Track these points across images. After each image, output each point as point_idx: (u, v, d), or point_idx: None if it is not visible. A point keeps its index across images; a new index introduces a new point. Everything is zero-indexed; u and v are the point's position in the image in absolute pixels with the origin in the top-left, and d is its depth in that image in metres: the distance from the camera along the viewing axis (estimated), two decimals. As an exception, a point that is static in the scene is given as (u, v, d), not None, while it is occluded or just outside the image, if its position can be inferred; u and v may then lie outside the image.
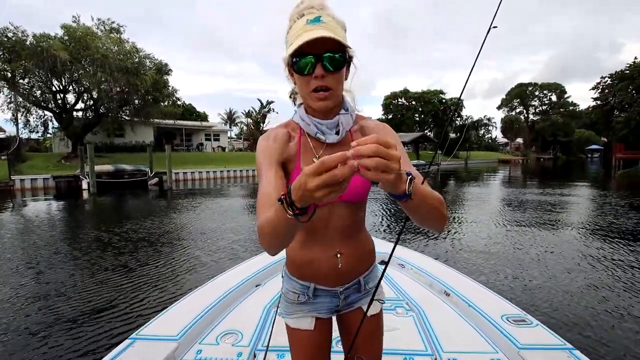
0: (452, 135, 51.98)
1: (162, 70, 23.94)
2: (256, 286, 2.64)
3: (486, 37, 0.93)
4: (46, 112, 23.42)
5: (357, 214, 1.07)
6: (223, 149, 38.01)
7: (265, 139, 1.03)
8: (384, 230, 7.60)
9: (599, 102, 40.01)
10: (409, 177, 0.73)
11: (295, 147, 1.02)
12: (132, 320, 3.58)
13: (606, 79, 37.68)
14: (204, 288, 2.46)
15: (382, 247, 2.71)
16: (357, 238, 1.10)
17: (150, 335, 1.86)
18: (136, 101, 23.79)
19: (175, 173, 20.73)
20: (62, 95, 22.87)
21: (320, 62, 0.88)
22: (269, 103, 43.53)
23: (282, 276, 1.19)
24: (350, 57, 0.94)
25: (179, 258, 5.65)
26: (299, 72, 0.90)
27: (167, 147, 18.63)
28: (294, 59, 0.90)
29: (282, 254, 1.11)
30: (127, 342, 1.79)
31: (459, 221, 8.49)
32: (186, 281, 4.65)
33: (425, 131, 50.69)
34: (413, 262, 2.98)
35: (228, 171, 23.85)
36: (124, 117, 24.65)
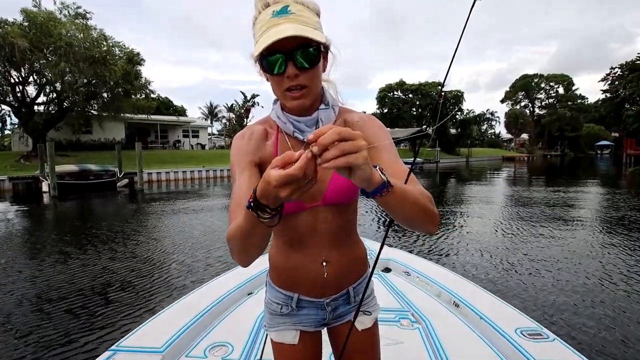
0: (453, 130, 52.29)
1: (134, 59, 23.70)
2: (248, 294, 2.67)
3: (471, 11, 0.90)
4: (3, 107, 23.02)
5: (344, 218, 1.07)
6: (203, 146, 37.86)
7: (240, 137, 1.03)
8: (392, 237, 7.58)
9: (608, 94, 40.59)
10: (377, 167, 0.73)
11: (272, 146, 1.02)
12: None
13: (616, 69, 38.34)
14: (191, 296, 2.48)
15: (384, 252, 2.73)
16: (346, 244, 1.09)
17: (133, 347, 1.86)
18: (105, 94, 23.55)
19: (148, 173, 20.52)
20: (21, 88, 22.45)
21: (292, 60, 0.87)
22: (253, 96, 43.35)
23: (265, 284, 1.20)
24: (327, 47, 0.94)
25: (147, 273, 5.53)
26: (269, 72, 0.90)
27: (137, 145, 18.32)
28: (262, 58, 0.89)
29: (267, 262, 1.14)
30: (107, 354, 1.79)
31: (464, 225, 8.55)
32: (155, 299, 4.55)
33: (424, 126, 50.87)
34: (419, 269, 2.98)
35: (207, 171, 23.72)
36: (91, 111, 24.33)
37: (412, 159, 1.03)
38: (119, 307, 4.28)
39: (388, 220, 0.92)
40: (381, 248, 1.00)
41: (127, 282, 5.08)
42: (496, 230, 7.98)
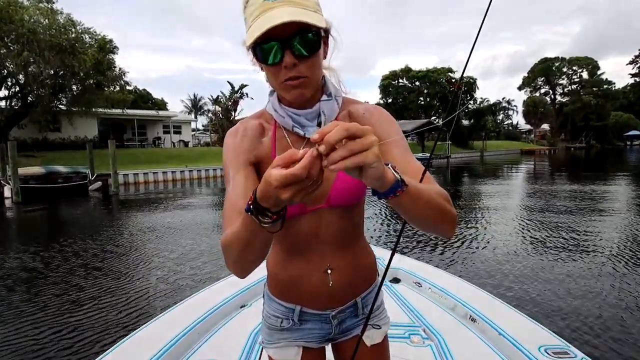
0: (465, 122, 52.38)
1: (106, 47, 23.68)
2: (241, 307, 2.69)
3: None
4: (-41, 103, 22.78)
5: (351, 221, 1.09)
6: (186, 144, 37.88)
7: (233, 134, 1.05)
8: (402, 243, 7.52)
9: (638, 78, 40.64)
10: (389, 165, 0.74)
11: (269, 143, 1.04)
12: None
13: (647, 51, 38.23)
14: (176, 309, 2.49)
15: (394, 260, 2.79)
16: (353, 250, 1.12)
17: None
18: (74, 87, 23.44)
19: (123, 175, 20.46)
20: (-21, 81, 22.29)
21: (289, 48, 0.87)
22: (241, 87, 43.06)
23: (263, 296, 1.22)
24: (327, 31, 0.95)
25: (124, 291, 5.46)
26: (263, 62, 0.91)
27: (110, 143, 18.18)
28: (255, 46, 0.89)
29: (265, 270, 1.16)
30: None
31: (480, 229, 8.56)
32: (132, 322, 4.48)
33: (433, 117, 50.84)
34: (431, 279, 3.02)
35: (191, 171, 23.73)
36: (59, 106, 24.25)
37: (429, 155, 1.07)
38: (92, 328, 4.24)
39: (401, 224, 0.97)
40: (393, 254, 1.00)
41: (101, 301, 5.01)
42: (516, 235, 7.93)
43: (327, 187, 1.02)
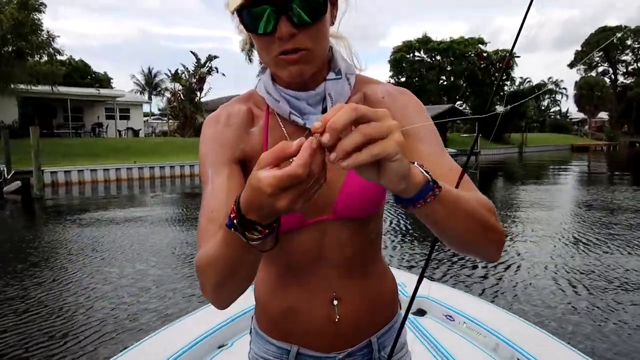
0: (499, 108, 52.25)
1: (30, 4, 23.52)
2: (219, 347, 2.73)
3: None
4: None
5: (365, 237, 1.11)
6: (136, 132, 37.77)
7: (213, 122, 1.08)
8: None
9: None
10: (419, 166, 0.74)
11: (259, 134, 1.06)
12: None
13: None
14: (136, 349, 2.55)
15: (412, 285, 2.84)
16: (367, 274, 1.14)
17: None
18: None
19: (51, 173, 20.26)
20: None
21: (285, 13, 0.88)
22: (210, 59, 42.91)
23: (249, 333, 1.26)
24: None
25: (54, 332, 5.33)
26: (252, 31, 0.92)
27: (33, 130, 17.88)
28: (242, 9, 0.91)
29: (252, 300, 1.20)
30: None
31: (523, 247, 8.65)
32: None
33: (459, 103, 51.02)
34: (467, 311, 3.03)
35: (141, 168, 23.45)
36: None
37: (454, 151, 1.09)
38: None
39: (430, 241, 0.97)
40: (420, 279, 1.03)
41: (20, 349, 4.90)
42: (570, 255, 7.99)
43: (333, 192, 1.02)
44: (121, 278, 7.21)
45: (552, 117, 72.27)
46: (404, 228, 10.28)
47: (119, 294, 6.53)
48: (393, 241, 9.13)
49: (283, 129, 1.05)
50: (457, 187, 0.88)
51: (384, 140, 0.61)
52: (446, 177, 0.87)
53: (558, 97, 69.59)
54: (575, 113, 76.98)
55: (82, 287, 6.81)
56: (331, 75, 1.03)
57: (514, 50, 1.10)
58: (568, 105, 74.95)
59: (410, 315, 2.99)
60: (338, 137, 0.60)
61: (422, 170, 0.72)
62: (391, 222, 10.65)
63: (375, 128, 0.61)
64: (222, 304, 0.94)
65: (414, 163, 0.73)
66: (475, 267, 7.14)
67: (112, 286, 6.85)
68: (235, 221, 0.72)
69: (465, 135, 47.61)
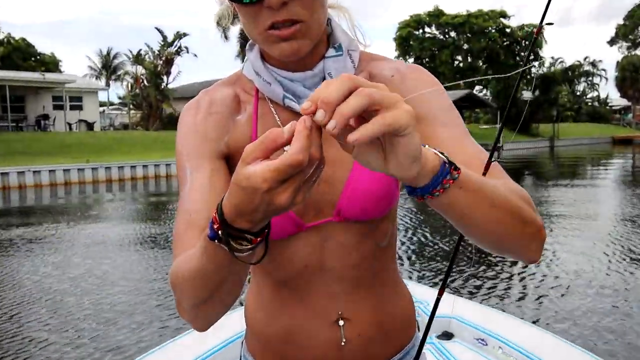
0: (526, 94, 50.34)
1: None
2: None
3: None
4: None
5: (374, 243, 1.05)
6: (90, 125, 35.47)
7: (193, 109, 1.04)
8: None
9: None
10: (427, 147, 0.70)
11: (247, 123, 1.02)
12: None
13: None
14: None
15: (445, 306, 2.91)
16: (378, 290, 1.09)
17: None
18: None
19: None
20: None
21: None
22: (179, 37, 40.52)
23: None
24: None
25: None
26: (236, 0, 0.90)
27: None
28: None
29: (242, 322, 1.16)
30: None
31: (562, 256, 8.41)
32: None
33: (477, 88, 48.58)
34: (503, 334, 2.93)
35: (96, 169, 21.57)
36: None
37: (491, 146, 1.04)
38: None
39: (456, 239, 1.00)
40: (440, 294, 1.04)
41: None
42: (629, 272, 7.59)
43: (336, 188, 0.96)
44: (69, 302, 6.64)
45: (589, 104, 69.33)
46: (424, 232, 10.00)
47: (77, 325, 5.95)
48: (410, 249, 8.89)
49: (276, 116, 1.00)
50: (484, 175, 0.84)
51: (392, 110, 0.56)
52: (471, 166, 0.79)
53: (596, 80, 66.49)
54: (616, 99, 73.88)
55: (24, 317, 6.27)
56: (330, 51, 0.98)
57: (545, 19, 1.03)
58: (608, 90, 72.80)
59: (435, 339, 2.96)
60: (334, 110, 0.55)
61: (436, 151, 0.67)
62: (407, 226, 10.36)
63: (379, 91, 0.56)
64: (203, 325, 0.90)
65: (424, 146, 0.67)
66: (512, 280, 6.95)
67: (66, 310, 6.34)
68: (219, 232, 0.66)
69: (485, 126, 45.49)
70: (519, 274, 7.26)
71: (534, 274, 7.34)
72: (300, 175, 0.59)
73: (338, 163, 0.75)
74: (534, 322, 5.22)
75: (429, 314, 1.22)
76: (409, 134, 0.57)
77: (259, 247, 0.69)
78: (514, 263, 7.50)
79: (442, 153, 0.68)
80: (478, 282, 6.89)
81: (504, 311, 3.70)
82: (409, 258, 8.32)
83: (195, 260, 0.76)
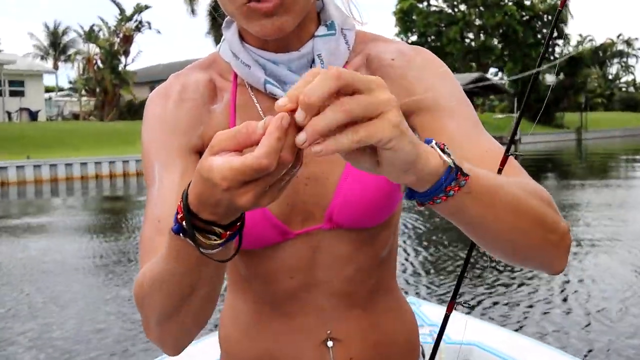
0: (549, 77, 49.33)
1: None
2: None
3: None
4: None
5: (371, 254, 1.00)
6: (33, 115, 32.93)
7: (162, 97, 0.98)
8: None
9: None
10: (433, 142, 0.65)
11: (224, 113, 0.97)
12: None
13: None
14: None
15: (456, 326, 2.36)
16: (374, 307, 1.04)
17: None
18: None
19: None
20: None
21: None
22: (139, 11, 37.74)
23: None
24: None
25: None
26: None
27: None
28: None
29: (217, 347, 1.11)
30: None
31: (593, 270, 7.88)
32: None
33: (492, 71, 46.69)
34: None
35: (38, 166, 19.57)
36: None
37: (508, 138, 0.98)
38: None
39: (468, 246, 0.99)
40: (449, 311, 1.01)
41: None
42: None
43: (327, 191, 0.91)
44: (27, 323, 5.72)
45: (623, 89, 66.88)
46: (435, 240, 9.58)
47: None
48: (418, 260, 8.41)
49: (257, 105, 0.93)
50: (500, 172, 0.80)
51: (373, 120, 0.51)
52: (483, 161, 0.78)
53: (631, 61, 64.00)
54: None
55: None
56: (321, 30, 0.91)
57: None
58: (644, 74, 70.04)
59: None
60: (316, 111, 0.50)
61: (441, 153, 0.61)
62: (414, 231, 9.95)
63: (362, 103, 0.51)
64: (173, 347, 0.83)
65: (431, 141, 0.62)
66: (551, 299, 6.47)
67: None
68: (183, 223, 0.61)
69: (500, 116, 43.96)
70: (559, 287, 6.78)
71: (576, 291, 6.70)
72: (267, 179, 0.54)
73: (328, 161, 0.70)
74: (584, 357, 4.94)
75: (434, 332, 1.14)
76: (391, 147, 0.52)
77: (229, 243, 0.63)
78: (549, 277, 6.79)
79: (449, 155, 0.61)
80: (504, 300, 6.39)
81: (540, 340, 3.59)
82: (415, 272, 7.76)
83: (160, 263, 0.70)
